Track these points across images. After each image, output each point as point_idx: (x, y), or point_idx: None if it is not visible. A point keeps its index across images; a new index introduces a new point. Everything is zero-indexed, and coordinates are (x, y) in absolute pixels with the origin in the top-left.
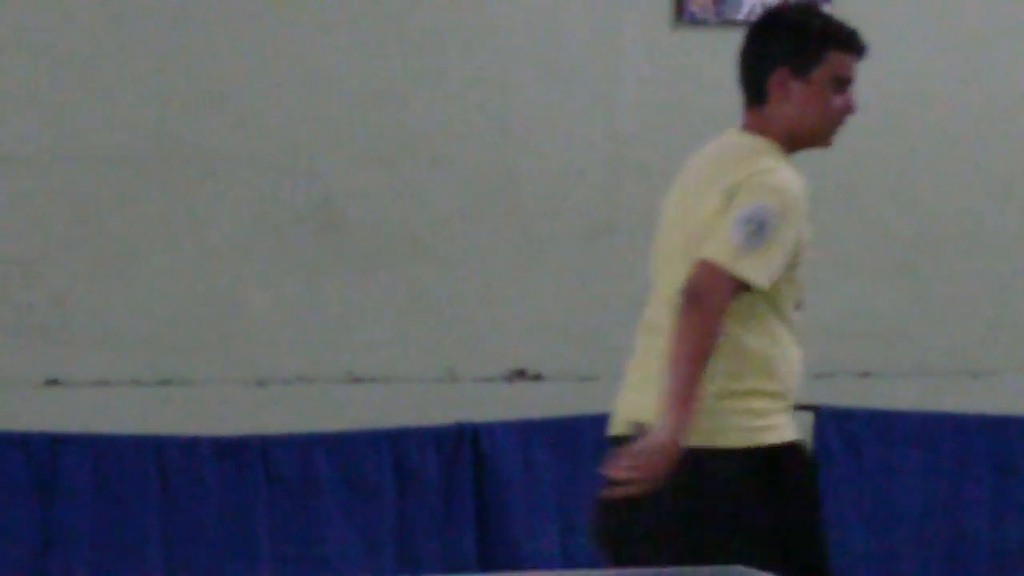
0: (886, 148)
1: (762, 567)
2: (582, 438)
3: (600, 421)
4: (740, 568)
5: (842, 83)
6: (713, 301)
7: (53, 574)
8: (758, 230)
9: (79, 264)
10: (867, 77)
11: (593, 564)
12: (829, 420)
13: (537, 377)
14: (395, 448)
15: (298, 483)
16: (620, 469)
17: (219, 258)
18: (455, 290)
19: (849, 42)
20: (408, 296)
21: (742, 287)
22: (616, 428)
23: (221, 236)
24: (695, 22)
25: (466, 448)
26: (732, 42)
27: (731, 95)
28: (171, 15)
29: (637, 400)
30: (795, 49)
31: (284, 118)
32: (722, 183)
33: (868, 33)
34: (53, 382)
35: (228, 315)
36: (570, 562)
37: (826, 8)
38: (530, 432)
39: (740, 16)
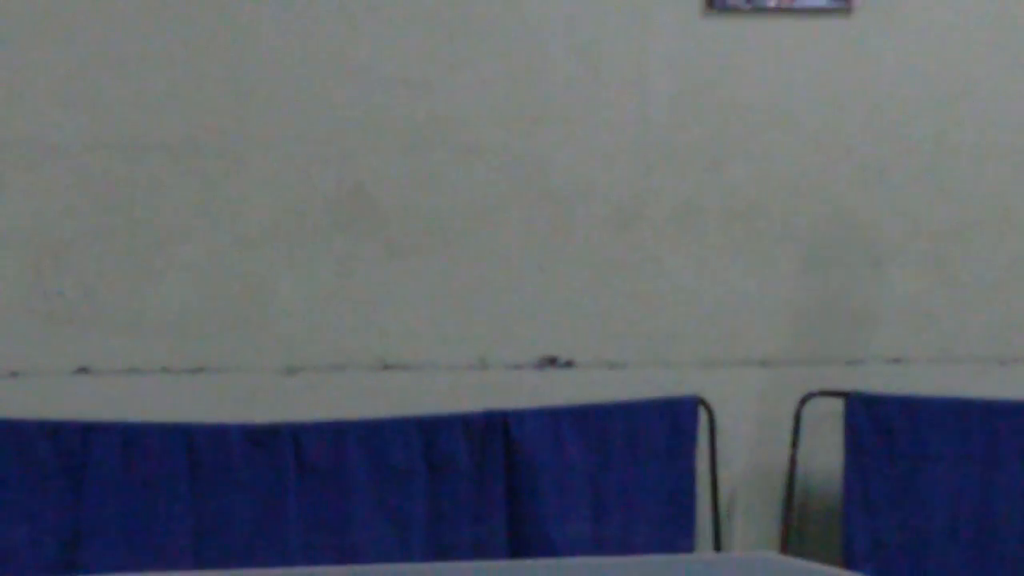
0: (917, 133)
1: None
2: (612, 425)
3: (630, 408)
4: (770, 554)
5: None
6: None
7: (84, 562)
8: None
9: (110, 252)
10: (900, 61)
11: (623, 550)
12: (860, 406)
13: (568, 364)
14: (426, 435)
15: (329, 471)
16: None
17: (251, 246)
18: (486, 277)
19: None
20: (439, 283)
21: None
22: None
23: (253, 224)
24: (726, 9)
25: (497, 435)
26: (763, 29)
27: (761, 82)
28: (203, 4)
29: None
30: None
31: (316, 106)
32: None
33: (902, 15)
34: (84, 370)
35: (259, 303)
36: (601, 549)
37: None
38: (561, 419)
39: (771, 3)
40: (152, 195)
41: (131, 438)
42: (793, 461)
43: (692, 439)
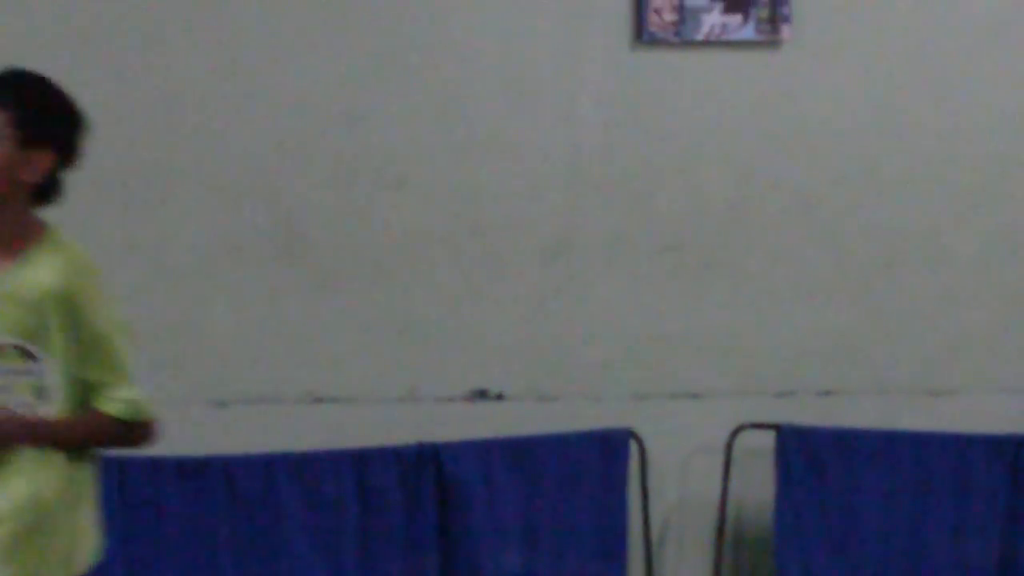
0: (846, 167)
1: None
2: (544, 457)
3: (561, 440)
4: None
5: None
6: None
7: None
8: None
9: None
10: (829, 94)
11: None
12: (791, 438)
13: (498, 396)
14: (357, 468)
15: (260, 504)
16: None
17: (181, 279)
18: (416, 310)
19: None
20: (369, 316)
21: None
22: None
23: (182, 257)
24: (655, 42)
25: (428, 468)
26: (692, 62)
27: (690, 115)
28: (132, 36)
29: None
30: None
31: (245, 139)
32: None
33: (831, 50)
34: None
35: (189, 336)
36: None
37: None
38: (491, 451)
39: (699, 36)
40: (79, 227)
41: None
42: (725, 493)
43: (624, 471)
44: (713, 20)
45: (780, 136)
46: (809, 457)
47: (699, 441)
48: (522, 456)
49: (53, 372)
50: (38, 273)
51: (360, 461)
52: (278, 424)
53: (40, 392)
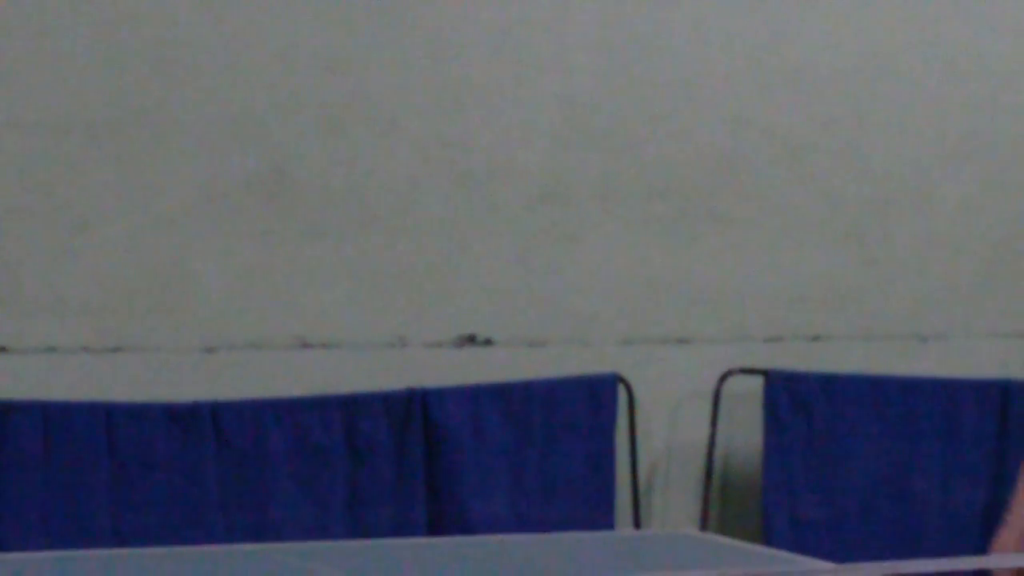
0: (836, 112)
1: None
2: (532, 402)
3: (550, 385)
4: (690, 531)
5: None
6: None
7: (3, 541)
8: None
9: (29, 231)
10: (819, 40)
11: (543, 528)
12: (779, 383)
13: (487, 342)
14: (346, 414)
15: (249, 449)
16: None
17: (169, 225)
18: (405, 256)
19: None
20: (358, 262)
21: None
22: None
23: (171, 203)
24: None
25: (416, 413)
26: (682, 7)
27: (680, 60)
28: None
29: None
30: None
31: (235, 86)
32: None
33: None
34: (2, 349)
35: (178, 282)
36: (521, 526)
37: None
38: (480, 397)
39: None
40: (71, 174)
41: (51, 417)
42: (712, 438)
43: (612, 417)
44: None
45: (770, 80)
46: (797, 402)
47: (687, 386)
48: (510, 401)
49: None
50: None
51: (348, 406)
52: (267, 370)
53: None
